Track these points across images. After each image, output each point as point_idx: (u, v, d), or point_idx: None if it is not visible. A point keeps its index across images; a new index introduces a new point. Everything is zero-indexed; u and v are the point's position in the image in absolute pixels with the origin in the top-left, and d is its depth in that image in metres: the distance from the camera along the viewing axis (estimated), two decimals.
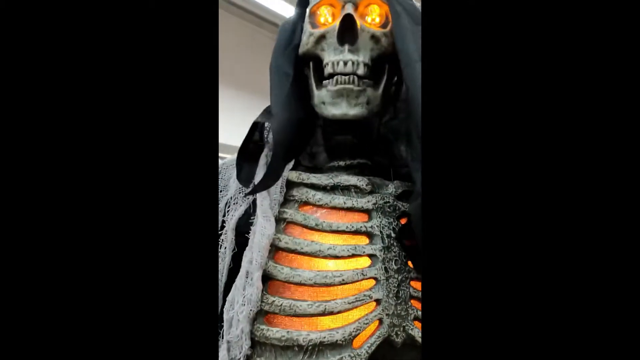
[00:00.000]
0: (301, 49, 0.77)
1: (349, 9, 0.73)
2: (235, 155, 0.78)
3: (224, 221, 0.76)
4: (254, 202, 0.73)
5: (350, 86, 0.71)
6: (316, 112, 0.80)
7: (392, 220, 0.72)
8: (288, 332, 0.66)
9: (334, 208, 0.72)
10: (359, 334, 0.66)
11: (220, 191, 0.80)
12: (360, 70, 0.72)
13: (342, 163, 0.78)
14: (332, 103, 0.73)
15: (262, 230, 0.69)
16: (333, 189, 0.73)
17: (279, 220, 0.73)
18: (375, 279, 0.68)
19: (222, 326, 0.69)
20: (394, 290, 0.68)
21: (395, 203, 0.73)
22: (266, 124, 0.82)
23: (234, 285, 0.69)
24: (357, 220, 0.71)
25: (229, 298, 0.69)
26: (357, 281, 0.67)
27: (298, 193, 0.74)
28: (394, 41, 0.73)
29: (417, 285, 0.69)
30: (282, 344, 0.66)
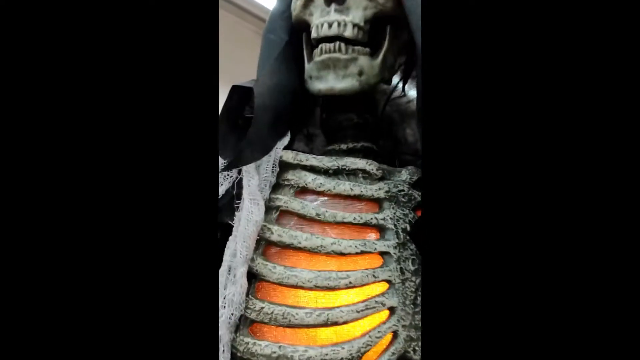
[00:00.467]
0: (293, 16, 0.66)
1: None
2: None
3: None
4: (239, 182, 0.60)
5: (337, 55, 0.60)
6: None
7: (407, 211, 0.59)
8: (280, 347, 0.52)
9: (338, 195, 0.59)
10: (368, 350, 0.53)
11: None
12: (348, 32, 0.59)
13: (343, 146, 0.66)
14: (318, 77, 0.61)
15: (248, 216, 0.55)
16: (337, 173, 0.61)
17: (270, 208, 0.59)
18: (388, 282, 0.56)
19: None
20: (410, 296, 0.56)
21: (410, 192, 0.61)
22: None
23: None
24: (366, 211, 0.59)
25: None
26: (367, 284, 0.55)
27: (294, 177, 0.61)
28: None
29: None
30: None
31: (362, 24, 0.60)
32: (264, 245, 0.57)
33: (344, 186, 0.59)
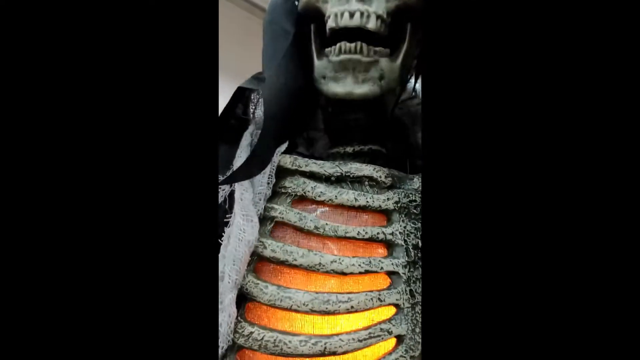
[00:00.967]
0: (301, 3, 0.59)
1: None
2: None
3: None
4: (231, 194, 0.54)
5: (357, 56, 0.53)
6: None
7: (419, 225, 0.52)
8: None
9: (340, 206, 0.52)
10: None
11: None
12: (371, 24, 0.53)
13: (349, 149, 0.60)
14: (334, 78, 0.54)
15: (239, 235, 0.49)
16: (340, 180, 0.54)
17: (265, 218, 0.53)
18: (396, 306, 0.49)
19: None
20: (421, 322, 0.49)
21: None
22: (252, 95, 0.63)
23: None
24: (372, 224, 0.52)
25: None
26: (371, 309, 0.48)
27: (292, 184, 0.54)
28: None
29: None
30: None
31: (385, 16, 0.53)
32: (255, 260, 0.51)
33: (348, 195, 0.52)
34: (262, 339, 0.47)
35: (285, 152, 0.57)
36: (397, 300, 0.48)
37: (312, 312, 0.47)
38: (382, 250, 0.51)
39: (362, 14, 0.52)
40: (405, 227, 0.52)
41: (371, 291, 0.48)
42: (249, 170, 0.53)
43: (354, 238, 0.50)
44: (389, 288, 0.49)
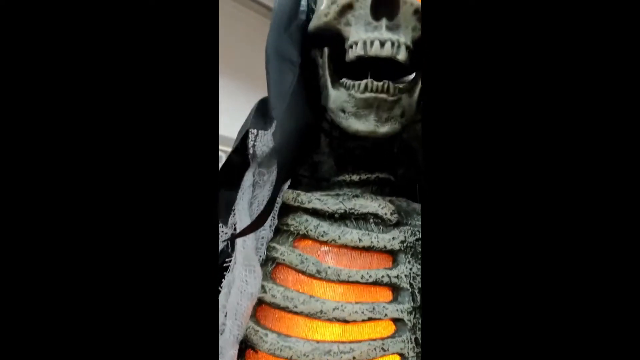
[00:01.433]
0: (316, 23, 0.54)
1: None
2: None
3: None
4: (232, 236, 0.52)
5: (384, 96, 0.50)
6: (322, 110, 0.59)
7: None
8: None
9: (344, 246, 0.50)
10: None
11: None
12: (402, 55, 0.50)
13: (355, 177, 0.57)
14: (356, 115, 0.52)
15: (241, 287, 0.47)
16: (343, 217, 0.52)
17: (267, 259, 0.51)
18: (401, 355, 0.47)
19: None
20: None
21: None
22: (251, 131, 0.60)
23: None
24: (377, 266, 0.50)
25: None
26: (375, 359, 0.46)
27: (295, 222, 0.52)
28: None
29: None
30: None
31: (412, 46, 0.51)
32: (256, 305, 0.49)
33: (351, 235, 0.50)
34: None
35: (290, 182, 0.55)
36: (401, 349, 0.46)
37: None
38: (387, 294, 0.49)
39: (393, 43, 0.50)
40: (411, 269, 0.49)
41: (374, 340, 0.47)
42: (260, 222, 0.52)
43: (357, 282, 0.48)
44: (393, 336, 0.47)
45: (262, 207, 0.52)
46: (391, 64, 0.52)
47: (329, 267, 0.49)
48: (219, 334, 0.47)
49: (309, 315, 0.47)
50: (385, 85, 0.51)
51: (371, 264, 0.50)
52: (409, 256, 0.50)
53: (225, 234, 0.53)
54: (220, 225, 0.54)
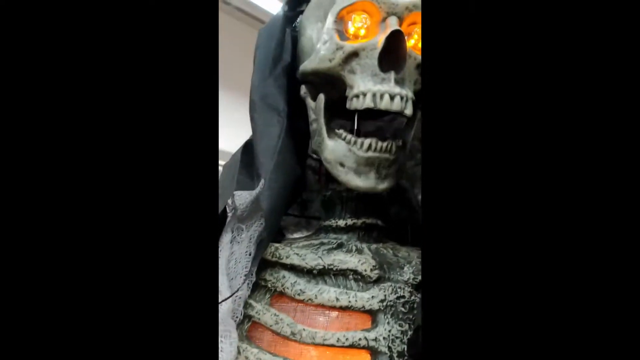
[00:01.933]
0: (315, 65, 0.53)
1: (393, 23, 0.50)
2: None
3: None
4: None
5: (386, 155, 0.51)
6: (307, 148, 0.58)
7: (407, 327, 0.48)
8: None
9: (321, 306, 0.48)
10: None
11: None
12: (409, 110, 0.50)
13: (341, 222, 0.56)
14: (357, 171, 0.51)
15: (218, 356, 0.46)
16: (322, 273, 0.50)
17: (243, 317, 0.50)
18: None
19: None
20: None
21: (413, 298, 0.49)
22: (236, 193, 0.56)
23: None
24: (355, 327, 0.48)
25: None
26: None
27: (272, 277, 0.51)
28: None
29: None
30: None
31: (414, 99, 0.51)
32: None
33: (329, 295, 0.48)
34: None
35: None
36: None
37: None
38: (365, 357, 0.47)
39: (402, 98, 0.49)
40: (390, 332, 0.47)
41: None
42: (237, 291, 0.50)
43: (333, 345, 0.46)
44: None
45: (240, 265, 0.51)
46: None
47: (303, 329, 0.47)
48: None
49: None
50: (389, 146, 0.51)
51: (349, 325, 0.48)
52: (389, 316, 0.48)
53: None
54: None
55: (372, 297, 0.48)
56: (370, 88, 0.50)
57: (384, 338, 0.47)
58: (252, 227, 0.53)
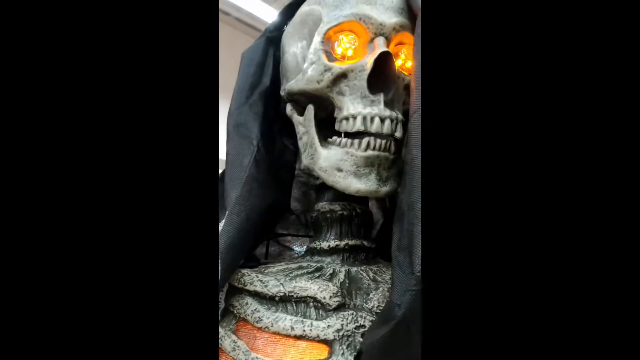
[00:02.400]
0: (303, 86, 0.53)
1: (381, 44, 0.50)
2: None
3: None
4: None
5: (386, 154, 0.49)
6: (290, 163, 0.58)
7: None
8: None
9: (277, 334, 0.48)
10: None
11: None
12: (399, 133, 0.50)
13: (324, 244, 0.55)
14: (356, 173, 0.50)
15: None
16: (284, 300, 0.50)
17: None
18: None
19: None
20: None
21: None
22: None
23: None
24: (310, 357, 0.47)
25: None
26: None
27: (237, 304, 0.52)
28: None
29: None
30: None
31: (404, 120, 0.50)
32: None
33: (284, 323, 0.48)
34: None
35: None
36: None
37: None
38: None
39: (392, 120, 0.49)
40: None
41: None
42: None
43: None
44: None
45: None
46: None
47: (257, 357, 0.47)
48: None
49: None
50: (388, 143, 0.49)
51: (304, 354, 0.47)
52: (344, 347, 0.46)
53: None
54: None
55: (328, 326, 0.47)
56: (361, 111, 0.49)
57: None
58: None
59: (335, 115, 0.52)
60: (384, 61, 0.49)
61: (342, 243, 0.55)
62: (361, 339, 0.46)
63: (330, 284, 0.49)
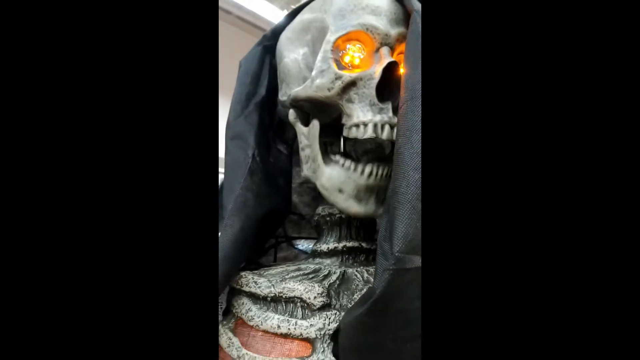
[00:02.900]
0: (312, 93, 0.53)
1: (386, 53, 0.52)
2: None
3: None
4: None
5: (387, 183, 0.52)
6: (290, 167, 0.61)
7: None
8: None
9: (266, 332, 0.52)
10: None
11: None
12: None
13: (324, 247, 0.58)
14: (357, 197, 0.53)
15: None
16: (275, 301, 0.53)
17: None
18: None
19: None
20: None
21: None
22: None
23: None
24: (296, 354, 0.50)
25: None
26: None
27: (236, 304, 0.56)
28: None
29: None
30: None
31: None
32: None
33: (271, 322, 0.51)
34: None
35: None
36: None
37: None
38: None
39: (391, 126, 0.51)
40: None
41: None
42: None
43: None
44: None
45: None
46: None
47: (246, 354, 0.51)
48: None
49: None
50: (387, 172, 0.52)
51: (290, 352, 0.50)
52: (325, 345, 0.49)
53: None
54: None
55: (311, 325, 0.50)
56: (372, 119, 0.50)
57: None
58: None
59: (343, 122, 0.53)
60: (392, 71, 0.50)
61: (341, 245, 0.58)
62: None
63: (316, 285, 0.52)
